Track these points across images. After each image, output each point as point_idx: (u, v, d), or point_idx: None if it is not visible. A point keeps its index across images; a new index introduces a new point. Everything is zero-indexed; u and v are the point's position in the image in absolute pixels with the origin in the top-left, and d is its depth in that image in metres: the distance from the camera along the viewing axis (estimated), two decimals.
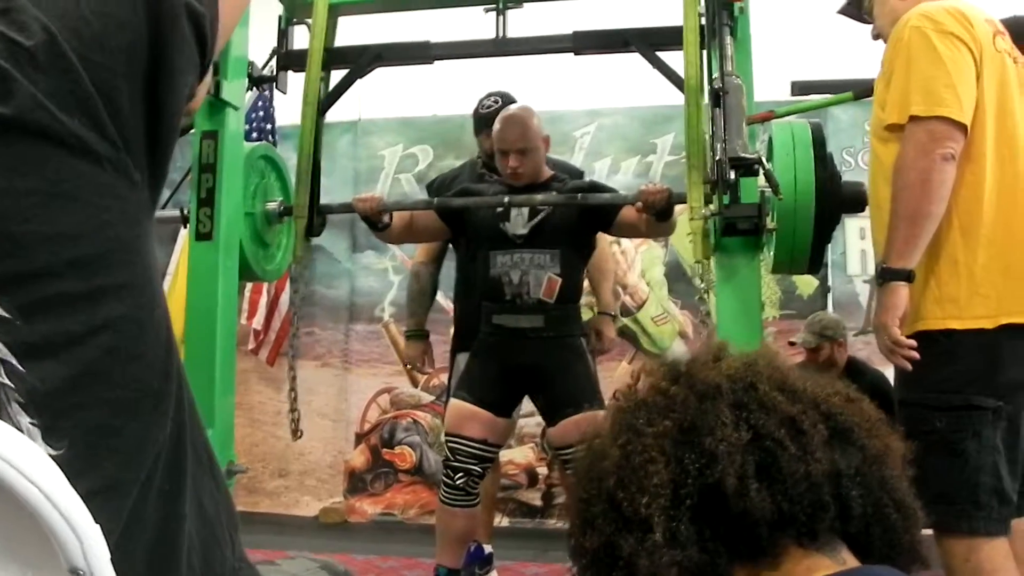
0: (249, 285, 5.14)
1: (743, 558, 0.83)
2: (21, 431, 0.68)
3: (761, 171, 2.38)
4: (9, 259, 0.69)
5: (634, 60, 3.05)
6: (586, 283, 4.52)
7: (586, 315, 4.24)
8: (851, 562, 0.84)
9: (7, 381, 0.68)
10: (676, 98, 2.97)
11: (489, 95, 3.71)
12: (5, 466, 0.62)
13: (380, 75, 3.31)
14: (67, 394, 0.71)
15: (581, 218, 3.15)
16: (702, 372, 0.91)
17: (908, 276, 2.17)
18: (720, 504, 0.82)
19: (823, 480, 0.83)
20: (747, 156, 2.27)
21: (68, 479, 0.63)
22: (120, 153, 0.74)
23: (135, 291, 0.77)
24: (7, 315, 0.68)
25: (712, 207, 2.69)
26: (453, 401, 3.25)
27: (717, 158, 2.45)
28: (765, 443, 0.84)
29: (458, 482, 3.13)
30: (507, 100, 3.67)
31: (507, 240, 3.16)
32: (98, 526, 0.63)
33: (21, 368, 0.69)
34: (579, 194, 3.09)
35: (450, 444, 3.17)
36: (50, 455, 0.66)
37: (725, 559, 0.83)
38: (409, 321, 3.96)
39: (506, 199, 3.09)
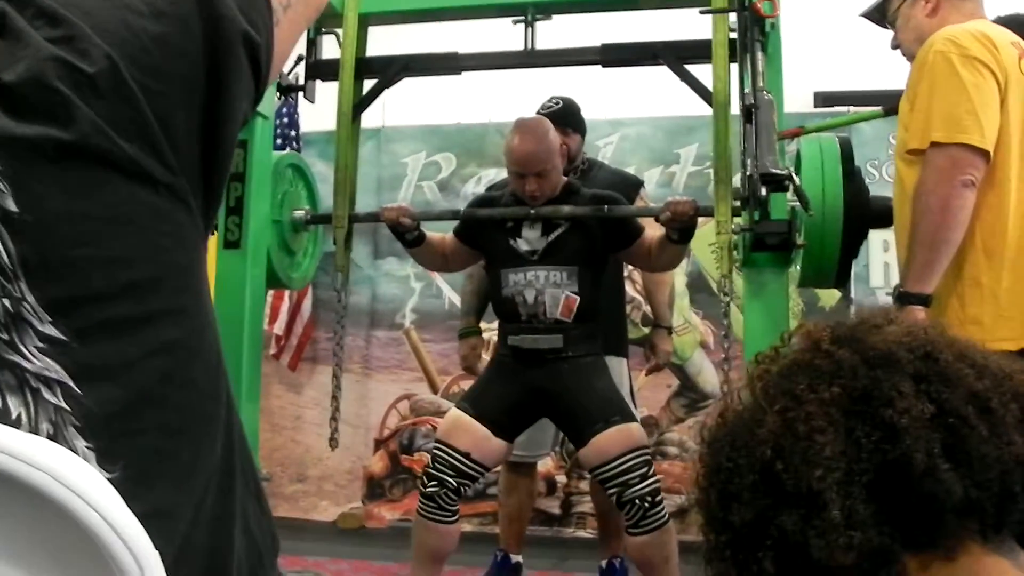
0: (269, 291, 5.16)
1: (917, 547, 0.76)
2: (77, 454, 0.69)
3: (791, 187, 2.38)
4: (66, 282, 0.70)
5: (658, 71, 3.05)
6: (635, 295, 4.57)
7: (634, 332, 4.28)
8: None
9: (63, 404, 0.69)
10: (700, 109, 2.97)
11: (551, 99, 3.64)
12: (65, 490, 0.62)
13: (404, 83, 3.31)
14: (122, 418, 0.71)
15: (601, 234, 3.02)
16: (871, 336, 0.83)
17: (925, 301, 2.17)
18: (899, 484, 0.75)
19: (1015, 467, 0.75)
20: (778, 172, 2.26)
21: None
22: (177, 179, 0.75)
23: (189, 315, 0.77)
24: (64, 338, 0.69)
25: (741, 221, 2.69)
26: (452, 410, 3.10)
27: (748, 174, 2.45)
28: (949, 420, 0.76)
29: (429, 490, 2.94)
30: (567, 104, 3.62)
31: (519, 257, 3.01)
32: (157, 551, 0.64)
33: (78, 391, 0.69)
34: (606, 206, 3.01)
35: (433, 451, 3.01)
36: (105, 478, 0.67)
37: (899, 546, 0.75)
38: (462, 321, 3.90)
39: (532, 211, 3.00)
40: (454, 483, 2.93)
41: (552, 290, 2.97)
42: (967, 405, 0.77)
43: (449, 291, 5.27)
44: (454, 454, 2.94)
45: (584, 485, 4.76)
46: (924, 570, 0.76)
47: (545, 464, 4.67)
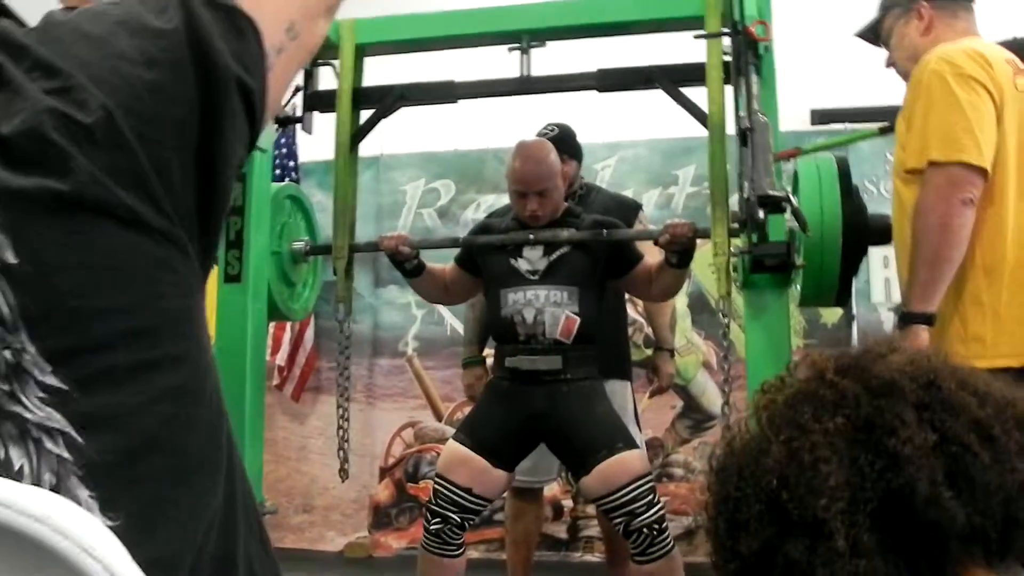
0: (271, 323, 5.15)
1: (922, 574, 0.76)
2: (80, 504, 0.69)
3: (789, 208, 2.38)
4: (66, 333, 0.70)
5: (654, 93, 3.06)
6: (637, 317, 4.57)
7: (637, 354, 4.28)
8: None
9: (66, 455, 0.69)
10: (697, 130, 2.98)
11: (547, 125, 3.64)
12: (68, 543, 0.62)
13: (401, 111, 3.32)
14: (124, 466, 0.71)
15: (601, 258, 3.01)
16: (875, 366, 0.83)
17: (929, 320, 2.18)
18: (903, 512, 0.75)
19: (1018, 494, 0.76)
20: (776, 194, 2.27)
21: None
22: (174, 226, 0.75)
23: (189, 362, 0.77)
24: (65, 387, 0.69)
25: (739, 243, 2.70)
26: (450, 442, 3.05)
27: (746, 196, 2.46)
28: (952, 448, 0.77)
29: (433, 527, 2.91)
30: (563, 130, 3.61)
31: (519, 277, 2.98)
32: None
33: (80, 440, 0.69)
34: (604, 230, 3.00)
35: (435, 486, 2.96)
36: (107, 527, 0.66)
37: (905, 573, 0.76)
38: (465, 349, 3.90)
39: (531, 236, 2.99)
40: (458, 519, 2.90)
41: (552, 309, 2.94)
42: (970, 433, 0.78)
43: (451, 318, 5.27)
44: (455, 490, 2.90)
45: (591, 509, 4.74)
46: None
47: (551, 489, 4.65)
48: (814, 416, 0.81)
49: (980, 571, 0.76)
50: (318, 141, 3.63)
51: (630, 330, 4.15)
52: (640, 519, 2.79)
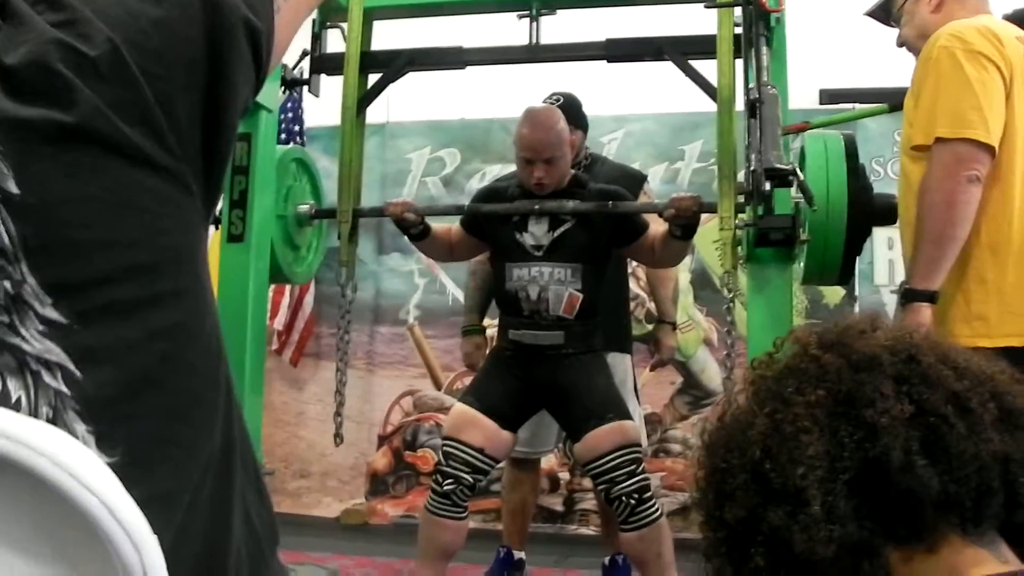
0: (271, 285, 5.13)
1: (899, 540, 0.79)
2: (77, 439, 0.69)
3: (795, 182, 2.37)
4: (68, 265, 0.70)
5: (663, 66, 3.05)
6: (639, 291, 4.57)
7: (638, 329, 4.28)
8: (1014, 563, 0.79)
9: (64, 388, 0.69)
10: (705, 105, 2.97)
11: (552, 95, 3.58)
12: (64, 474, 0.62)
13: (408, 78, 3.31)
14: (122, 401, 0.71)
15: (605, 230, 3.01)
16: (857, 341, 0.86)
17: (931, 297, 2.17)
18: (880, 480, 0.78)
19: (992, 463, 0.78)
20: (783, 167, 2.25)
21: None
22: (178, 163, 0.75)
23: (189, 299, 0.77)
24: (65, 320, 0.69)
25: (745, 216, 2.68)
26: (457, 405, 3.10)
27: (752, 168, 2.44)
28: (929, 419, 0.79)
29: (446, 488, 2.94)
30: (569, 100, 3.56)
31: (524, 252, 3.00)
32: (155, 536, 0.63)
33: (78, 374, 0.69)
34: (610, 202, 2.99)
35: (445, 448, 3.00)
36: (105, 463, 0.66)
37: (881, 539, 0.79)
38: (465, 318, 3.89)
39: (536, 206, 2.99)
40: (470, 479, 2.95)
41: (556, 287, 2.97)
42: (946, 404, 0.80)
43: (453, 287, 5.26)
44: (468, 450, 2.95)
45: (587, 482, 4.75)
46: (907, 562, 0.79)
47: (548, 461, 4.67)
48: (797, 389, 0.84)
49: (956, 537, 0.79)
50: (324, 107, 3.62)
51: (631, 305, 4.15)
52: (620, 487, 2.84)
